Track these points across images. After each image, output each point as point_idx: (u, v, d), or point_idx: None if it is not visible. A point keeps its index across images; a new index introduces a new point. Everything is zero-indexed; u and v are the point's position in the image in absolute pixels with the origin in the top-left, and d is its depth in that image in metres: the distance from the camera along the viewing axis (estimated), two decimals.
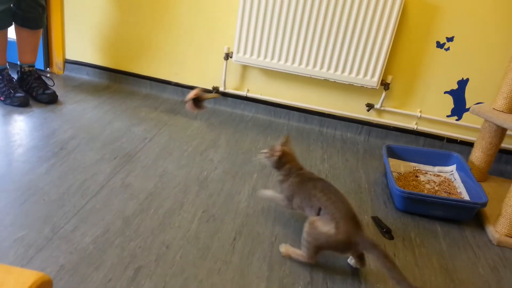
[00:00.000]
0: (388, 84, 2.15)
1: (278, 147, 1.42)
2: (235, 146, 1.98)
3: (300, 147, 2.08)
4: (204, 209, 1.50)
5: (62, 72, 2.49)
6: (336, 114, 2.29)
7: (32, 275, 0.48)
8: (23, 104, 2.03)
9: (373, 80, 2.09)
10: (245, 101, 2.35)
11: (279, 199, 1.45)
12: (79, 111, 2.09)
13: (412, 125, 2.23)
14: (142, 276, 1.17)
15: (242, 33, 2.10)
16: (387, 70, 2.12)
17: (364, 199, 1.72)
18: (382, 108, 2.22)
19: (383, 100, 2.20)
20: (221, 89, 2.32)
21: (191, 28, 2.24)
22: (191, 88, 2.37)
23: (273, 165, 1.44)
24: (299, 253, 1.31)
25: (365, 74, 2.09)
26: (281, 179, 1.43)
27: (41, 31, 2.14)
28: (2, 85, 2.04)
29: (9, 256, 1.17)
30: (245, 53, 2.14)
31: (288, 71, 2.15)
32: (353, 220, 1.23)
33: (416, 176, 1.89)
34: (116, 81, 2.47)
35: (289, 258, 1.33)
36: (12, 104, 2.02)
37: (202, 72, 2.33)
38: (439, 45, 2.05)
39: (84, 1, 2.31)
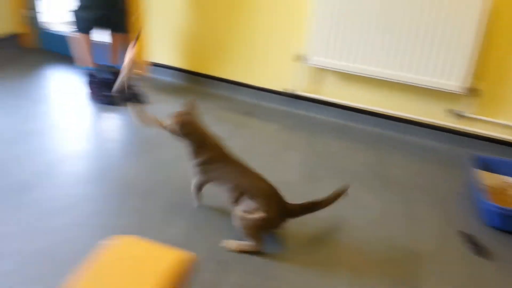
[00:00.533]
0: (478, 89, 2.02)
1: (179, 115, 1.27)
2: (310, 150, 1.98)
3: (378, 154, 2.02)
4: None
5: (146, 74, 2.64)
6: (417, 120, 2.20)
7: (182, 253, 0.52)
8: (113, 103, 2.18)
9: (460, 85, 1.98)
10: (320, 105, 2.33)
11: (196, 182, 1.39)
12: (163, 110, 2.19)
13: (504, 135, 2.08)
14: None
15: (317, 35, 2.09)
16: (476, 74, 2.00)
17: (449, 211, 1.64)
18: (469, 116, 2.10)
19: (471, 107, 2.07)
20: (296, 92, 2.32)
21: (266, 31, 2.28)
22: (266, 90, 2.40)
23: (177, 138, 1.30)
24: (248, 244, 1.27)
25: (452, 79, 1.98)
26: (190, 149, 1.34)
27: (129, 35, 2.29)
28: (94, 84, 2.21)
29: None
30: (320, 55, 2.13)
31: (366, 74, 2.10)
32: (277, 196, 1.28)
33: (505, 190, 1.76)
34: (194, 82, 2.57)
35: (240, 252, 1.28)
36: (103, 102, 2.18)
37: (277, 75, 2.36)
38: None
39: (167, 9, 2.43)
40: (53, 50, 2.77)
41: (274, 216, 1.25)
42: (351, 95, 2.26)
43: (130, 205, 1.43)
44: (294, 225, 1.43)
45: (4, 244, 1.20)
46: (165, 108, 2.21)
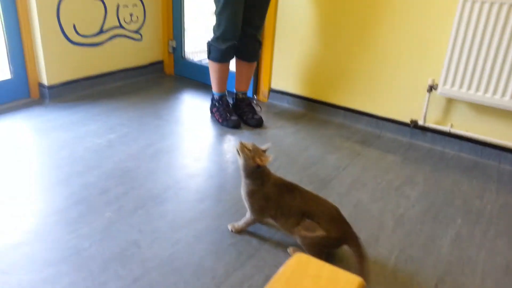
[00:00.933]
0: None
1: (265, 156, 1.32)
2: (434, 186, 1.84)
3: None
4: (401, 248, 1.43)
5: (266, 99, 2.77)
6: None
7: (355, 278, 0.55)
8: (236, 127, 2.32)
9: None
10: (447, 137, 2.17)
11: (248, 219, 1.41)
12: (280, 135, 2.27)
13: None
14: None
15: (451, 64, 1.97)
16: None
17: None
18: None
19: None
20: (421, 122, 2.21)
21: (393, 59, 2.22)
22: (386, 120, 2.33)
23: (247, 169, 1.33)
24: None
25: None
26: (251, 189, 1.34)
27: (255, 63, 2.43)
28: (221, 109, 2.38)
29: (225, 256, 1.33)
30: (453, 85, 2.00)
31: (503, 106, 1.90)
32: (340, 218, 1.28)
33: None
34: (311, 109, 2.61)
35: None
36: (227, 126, 2.33)
37: (400, 104, 2.27)
38: None
39: (291, 37, 2.54)
40: (191, 77, 3.08)
41: (336, 235, 1.26)
42: (485, 128, 2.06)
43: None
44: (410, 262, 1.34)
45: (136, 251, 1.34)
46: (280, 134, 2.28)
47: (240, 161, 1.35)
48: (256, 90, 2.80)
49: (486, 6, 1.83)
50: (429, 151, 2.17)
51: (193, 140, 2.14)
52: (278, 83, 2.71)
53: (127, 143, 2.04)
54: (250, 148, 1.33)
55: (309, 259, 0.59)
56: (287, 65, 2.63)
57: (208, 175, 1.81)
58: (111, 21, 2.72)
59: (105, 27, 2.69)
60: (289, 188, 1.34)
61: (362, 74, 2.35)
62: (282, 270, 0.56)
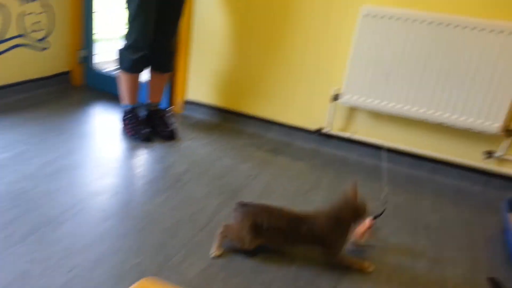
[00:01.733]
0: None
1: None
2: (338, 190, 1.96)
3: (407, 195, 1.97)
4: (303, 250, 1.50)
5: (182, 111, 2.76)
6: (450, 161, 2.13)
7: None
8: (148, 139, 2.28)
9: (494, 126, 1.92)
10: (350, 144, 2.32)
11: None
12: (193, 147, 2.27)
13: None
14: None
15: (352, 75, 2.11)
16: (510, 115, 1.94)
17: (480, 257, 1.56)
18: (504, 157, 2.01)
19: (506, 148, 1.99)
20: (326, 130, 2.33)
21: (300, 70, 2.33)
22: (296, 128, 2.43)
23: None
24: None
25: (486, 119, 1.93)
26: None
27: (168, 74, 2.41)
28: (132, 121, 2.32)
29: (127, 279, 1.30)
30: (354, 95, 2.14)
31: (399, 114, 2.08)
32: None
33: None
34: (226, 120, 2.64)
35: None
36: (139, 139, 2.28)
37: (308, 113, 2.38)
38: None
39: (205, 48, 2.55)
40: (101, 88, 2.96)
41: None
42: (384, 134, 2.23)
43: (152, 242, 1.47)
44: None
45: (24, 283, 1.26)
46: (193, 145, 2.28)
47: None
48: (171, 101, 2.77)
49: (383, 21, 1.98)
50: (334, 157, 2.30)
51: (101, 155, 2.06)
52: (193, 94, 2.71)
53: (24, 162, 1.90)
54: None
55: (154, 283, 0.59)
56: (202, 76, 2.63)
57: (114, 192, 1.76)
58: (13, 30, 2.53)
59: (7, 36, 2.50)
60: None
61: (273, 84, 2.43)
62: None
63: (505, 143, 1.99)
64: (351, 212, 1.37)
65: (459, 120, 1.97)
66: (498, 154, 2.02)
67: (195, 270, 1.36)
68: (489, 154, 2.04)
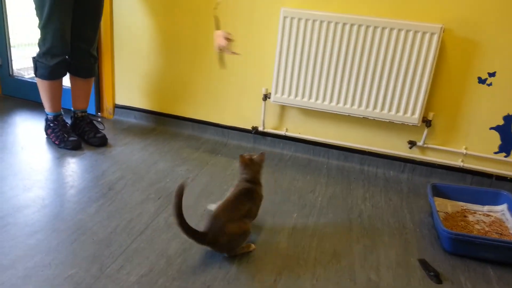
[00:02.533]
0: (430, 121, 2.11)
1: (247, 156, 1.57)
2: (274, 185, 2.00)
3: (341, 186, 2.06)
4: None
5: (112, 116, 2.65)
6: (377, 152, 2.26)
7: None
8: (75, 147, 2.16)
9: (414, 117, 2.07)
10: (284, 140, 2.38)
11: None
12: (126, 153, 2.19)
13: (458, 162, 2.16)
14: None
15: (279, 74, 2.17)
16: (428, 106, 2.10)
17: (410, 240, 1.67)
18: (425, 146, 2.18)
19: (426, 137, 2.15)
20: (260, 128, 2.37)
21: (230, 71, 2.34)
22: (231, 128, 2.44)
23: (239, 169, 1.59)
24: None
25: (405, 111, 2.07)
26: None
27: (93, 79, 2.30)
28: (57, 129, 2.19)
29: None
30: (283, 93, 2.20)
31: (326, 110, 2.17)
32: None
33: (465, 216, 1.81)
34: (161, 123, 2.58)
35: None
36: (65, 147, 2.16)
37: (242, 112, 2.40)
38: (481, 81, 2.01)
39: (131, 51, 2.48)
40: (21, 96, 2.77)
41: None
42: (314, 130, 2.31)
43: (86, 253, 1.40)
44: (252, 261, 1.43)
45: None
46: (127, 151, 2.21)
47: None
48: (99, 107, 2.66)
49: (301, 23, 2.05)
50: (269, 154, 2.34)
51: (24, 167, 1.92)
52: (123, 98, 2.62)
53: None
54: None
55: None
56: (131, 78, 2.55)
57: (41, 205, 1.65)
58: None
59: None
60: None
61: (204, 86, 2.42)
62: None
63: (425, 132, 2.14)
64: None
65: (381, 113, 2.10)
66: (420, 143, 2.18)
67: (133, 277, 1.31)
68: (412, 144, 2.19)
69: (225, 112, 2.44)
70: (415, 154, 2.22)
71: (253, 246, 1.52)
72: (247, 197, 1.49)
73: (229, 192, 1.53)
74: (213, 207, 1.54)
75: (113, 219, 1.60)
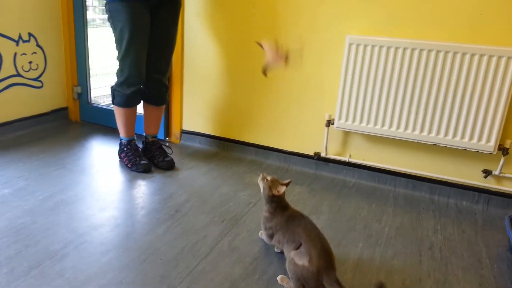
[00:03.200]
0: (507, 148, 1.98)
1: (281, 188, 1.52)
2: (338, 213, 1.96)
3: (409, 216, 1.97)
4: None
5: (179, 141, 2.77)
6: (449, 181, 2.14)
7: None
8: (146, 171, 2.28)
9: (489, 145, 1.94)
10: (347, 167, 2.34)
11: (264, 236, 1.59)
12: (192, 176, 2.27)
13: None
14: None
15: (344, 100, 2.15)
16: (504, 133, 1.97)
17: (486, 276, 1.54)
18: (501, 175, 2.03)
19: (502, 166, 2.01)
20: (323, 154, 2.35)
21: (293, 97, 2.37)
22: (293, 154, 2.45)
23: (265, 197, 1.55)
24: (291, 285, 1.38)
25: (480, 139, 1.96)
26: (266, 216, 1.55)
27: (164, 107, 2.44)
28: (130, 153, 2.33)
29: None
30: (347, 119, 2.17)
31: (393, 136, 2.11)
32: (326, 256, 1.33)
33: None
34: (224, 148, 2.65)
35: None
36: (137, 170, 2.28)
37: (304, 138, 2.41)
38: None
39: (198, 79, 2.60)
40: (98, 122, 2.99)
41: (314, 270, 1.30)
42: (380, 157, 2.25)
43: (155, 273, 1.45)
44: None
45: None
46: (193, 174, 2.28)
47: (261, 190, 1.56)
48: (167, 132, 2.79)
49: (368, 49, 2.04)
50: (332, 181, 2.31)
51: (99, 189, 2.05)
52: (189, 124, 2.74)
53: (23, 197, 1.89)
54: (269, 179, 1.54)
55: None
56: (197, 105, 2.67)
57: (114, 224, 1.74)
58: (8, 70, 2.58)
59: (1, 76, 2.54)
60: (297, 217, 1.49)
61: (268, 112, 2.47)
62: None
63: (502, 161, 2.01)
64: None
65: (453, 140, 2.00)
66: (496, 172, 2.04)
67: None
68: (487, 173, 2.05)
69: (287, 137, 2.46)
70: (490, 184, 2.07)
71: None
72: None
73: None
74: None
75: (180, 241, 1.65)
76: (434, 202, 2.13)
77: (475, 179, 2.09)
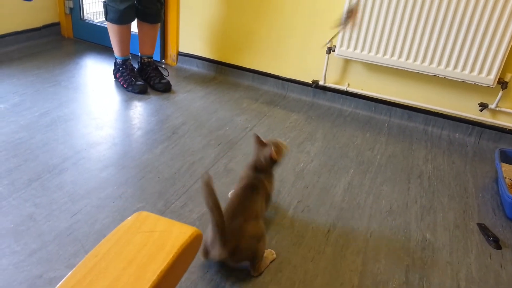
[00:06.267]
0: (507, 82, 1.96)
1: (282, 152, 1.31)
2: (332, 140, 1.99)
3: (402, 146, 2.01)
4: (299, 199, 1.54)
5: (175, 63, 2.72)
6: (444, 113, 2.16)
7: (189, 228, 0.58)
8: (142, 92, 2.26)
9: (489, 78, 1.93)
10: (345, 96, 2.33)
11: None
12: (189, 99, 2.26)
13: None
14: None
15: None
16: (506, 67, 1.94)
17: (470, 204, 1.62)
18: (497, 109, 2.04)
19: (500, 100, 2.01)
20: (321, 82, 2.33)
21: (294, 22, 2.29)
22: (291, 81, 2.42)
23: (266, 163, 1.30)
24: None
25: (481, 71, 1.94)
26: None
27: (159, 25, 2.35)
28: (125, 73, 2.29)
29: None
30: (348, 47, 2.12)
31: (393, 66, 2.08)
32: (217, 232, 1.09)
33: None
34: (221, 72, 2.61)
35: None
36: (133, 91, 2.26)
37: (303, 65, 2.37)
38: None
39: (195, 0, 2.49)
40: (90, 40, 2.90)
41: (204, 241, 1.18)
42: (378, 86, 2.24)
43: (153, 190, 1.50)
44: (307, 212, 1.46)
45: (32, 224, 1.29)
46: (189, 98, 2.27)
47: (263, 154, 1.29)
48: (163, 54, 2.72)
49: None
50: (329, 109, 2.31)
51: (95, 107, 2.05)
52: (186, 46, 2.66)
53: (20, 113, 1.89)
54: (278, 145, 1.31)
55: (148, 215, 0.61)
56: (195, 27, 2.58)
57: (111, 143, 1.76)
58: None
59: None
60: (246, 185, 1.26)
61: (268, 37, 2.39)
62: (116, 229, 0.58)
63: (500, 95, 2.00)
64: (266, 159, 1.29)
65: (454, 72, 1.98)
66: (492, 106, 2.04)
67: (195, 214, 1.40)
68: (484, 106, 2.06)
69: (286, 64, 2.41)
70: (485, 117, 2.09)
71: (274, 253, 1.28)
72: (256, 192, 1.24)
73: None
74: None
75: (177, 161, 1.69)
76: (428, 133, 2.16)
77: (471, 112, 2.11)
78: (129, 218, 0.61)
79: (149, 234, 0.56)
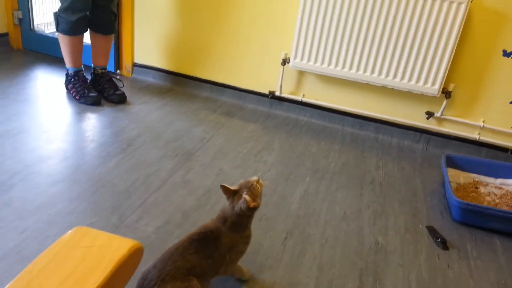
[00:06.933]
0: (450, 92, 2.09)
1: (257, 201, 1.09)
2: (289, 150, 2.03)
3: (354, 153, 2.08)
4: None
5: (130, 74, 2.68)
6: (393, 121, 2.26)
7: (129, 242, 0.57)
8: (95, 103, 2.21)
9: (433, 88, 2.04)
10: (300, 106, 2.39)
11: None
12: (145, 111, 2.23)
13: (474, 135, 2.15)
14: None
15: (300, 40, 2.15)
16: (449, 78, 2.07)
17: (420, 208, 1.69)
18: (442, 117, 2.16)
19: (444, 108, 2.14)
20: (277, 93, 2.37)
21: (250, 34, 2.33)
22: (248, 92, 2.45)
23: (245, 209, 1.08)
24: None
25: (426, 82, 2.05)
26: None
27: (112, 36, 2.32)
28: (77, 85, 2.23)
29: None
30: (302, 59, 2.18)
31: (345, 77, 2.16)
32: (156, 267, 1.01)
33: (476, 188, 1.83)
34: (178, 84, 2.60)
35: None
36: (86, 103, 2.20)
37: (259, 76, 2.40)
38: (506, 54, 1.97)
39: (152, 10, 2.47)
40: (41, 51, 2.80)
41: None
42: (331, 97, 2.31)
43: (106, 204, 1.46)
44: (264, 220, 1.48)
45: None
46: (145, 109, 2.25)
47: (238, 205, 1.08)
48: (118, 65, 2.68)
49: None
50: (285, 119, 2.36)
51: (46, 120, 1.98)
52: (142, 57, 2.63)
53: None
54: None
55: (88, 230, 0.60)
56: (151, 38, 2.56)
57: (63, 156, 1.71)
58: None
59: None
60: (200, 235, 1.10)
61: (224, 48, 2.42)
62: (53, 244, 0.57)
63: (444, 104, 2.13)
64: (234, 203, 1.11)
65: (401, 83, 2.08)
66: (437, 114, 2.16)
67: (151, 228, 1.38)
68: (430, 114, 2.18)
69: (243, 75, 2.44)
70: (431, 125, 2.21)
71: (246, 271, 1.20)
72: (201, 245, 1.05)
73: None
74: None
75: (132, 174, 1.66)
76: (379, 141, 2.25)
77: (418, 120, 2.22)
78: (67, 233, 0.60)
79: (88, 249, 0.55)
